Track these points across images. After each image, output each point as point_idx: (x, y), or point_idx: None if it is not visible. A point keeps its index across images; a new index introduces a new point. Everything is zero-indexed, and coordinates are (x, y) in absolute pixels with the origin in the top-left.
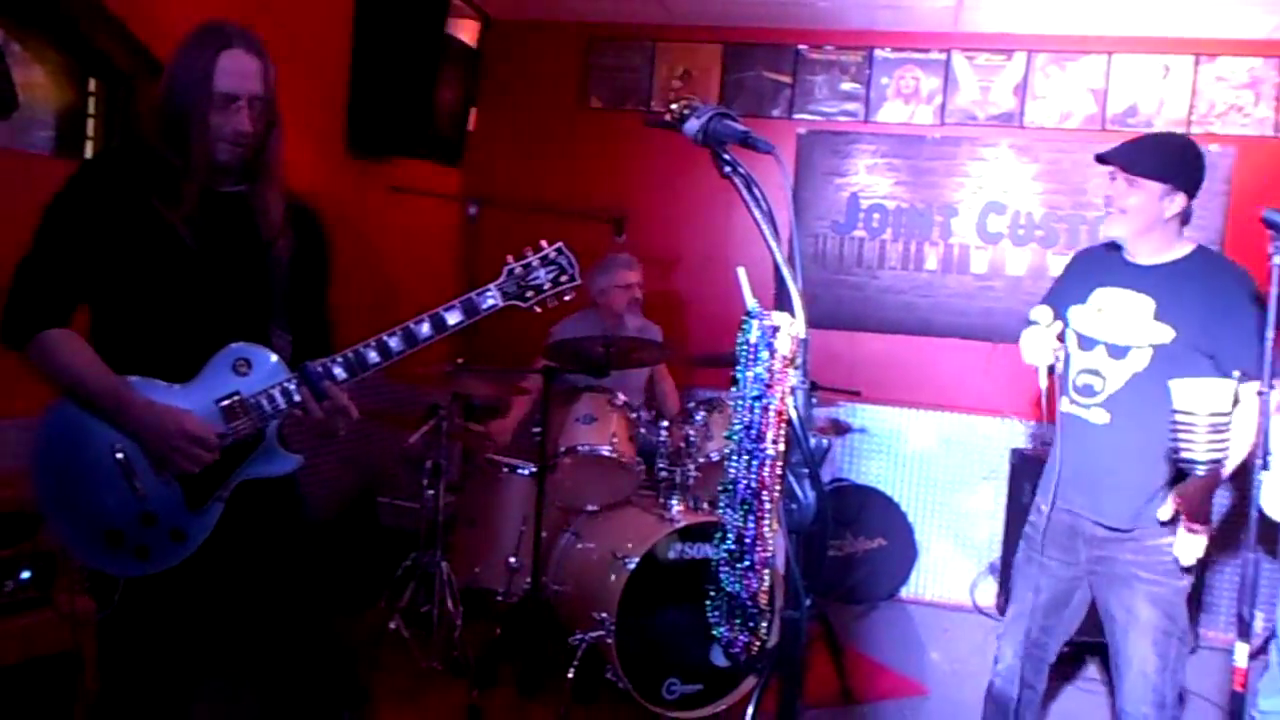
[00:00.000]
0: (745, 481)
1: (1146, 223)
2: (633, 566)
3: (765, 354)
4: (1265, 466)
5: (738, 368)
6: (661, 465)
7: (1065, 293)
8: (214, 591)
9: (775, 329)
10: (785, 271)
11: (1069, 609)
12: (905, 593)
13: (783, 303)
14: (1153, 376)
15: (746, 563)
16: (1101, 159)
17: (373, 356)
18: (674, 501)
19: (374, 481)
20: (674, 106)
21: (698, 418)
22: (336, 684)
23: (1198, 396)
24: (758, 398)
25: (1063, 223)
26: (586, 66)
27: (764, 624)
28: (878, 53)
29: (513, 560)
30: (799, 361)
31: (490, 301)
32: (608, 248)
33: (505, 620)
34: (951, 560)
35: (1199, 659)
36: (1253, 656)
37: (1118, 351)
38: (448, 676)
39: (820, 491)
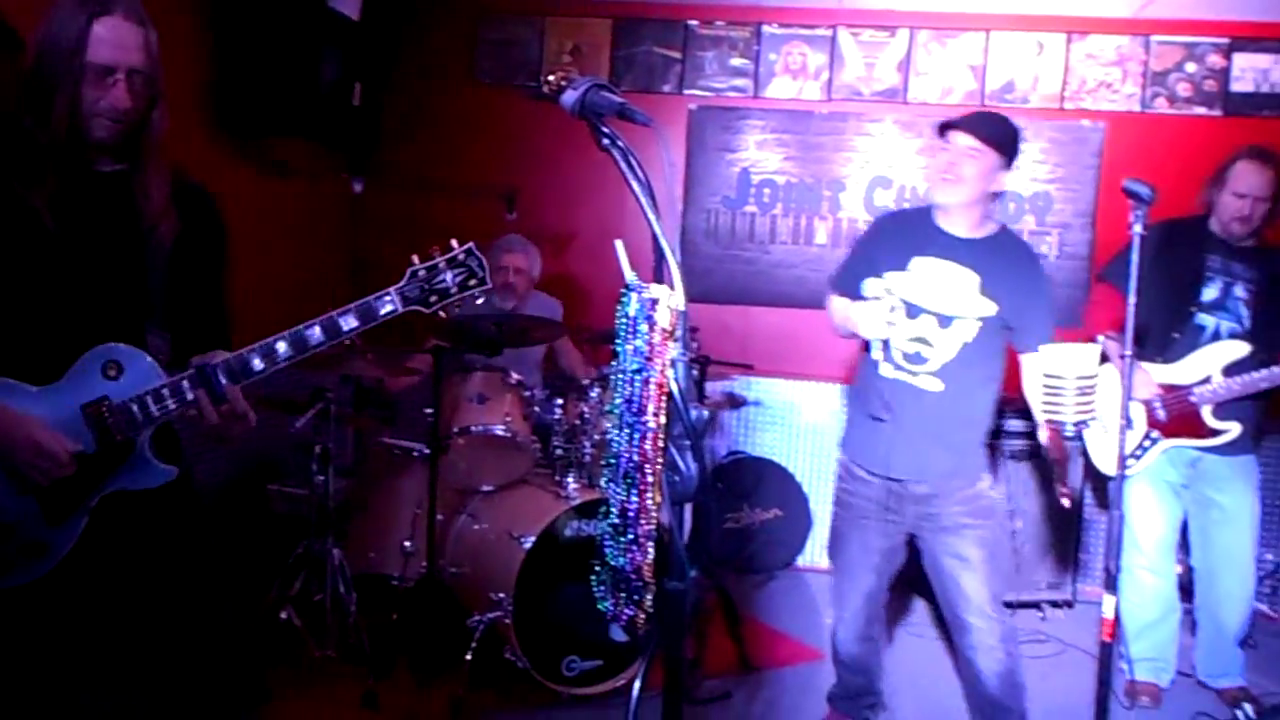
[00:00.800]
0: (627, 455)
1: (979, 193)
2: (529, 545)
3: (644, 327)
4: (1129, 426)
5: (617, 341)
6: (557, 443)
7: (876, 259)
8: (86, 603)
9: (654, 302)
10: (664, 244)
11: (897, 561)
12: (801, 561)
13: (662, 276)
14: (979, 346)
15: (630, 536)
16: (949, 125)
17: (257, 363)
18: (570, 479)
19: (263, 469)
20: (551, 78)
21: (593, 394)
22: (234, 684)
23: (1066, 361)
24: (637, 371)
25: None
26: (475, 41)
27: (649, 597)
28: (766, 29)
29: (408, 544)
30: (679, 334)
31: (389, 307)
32: (500, 225)
33: (401, 605)
34: None
35: (1077, 613)
36: None
37: (945, 321)
38: (343, 665)
39: (702, 463)
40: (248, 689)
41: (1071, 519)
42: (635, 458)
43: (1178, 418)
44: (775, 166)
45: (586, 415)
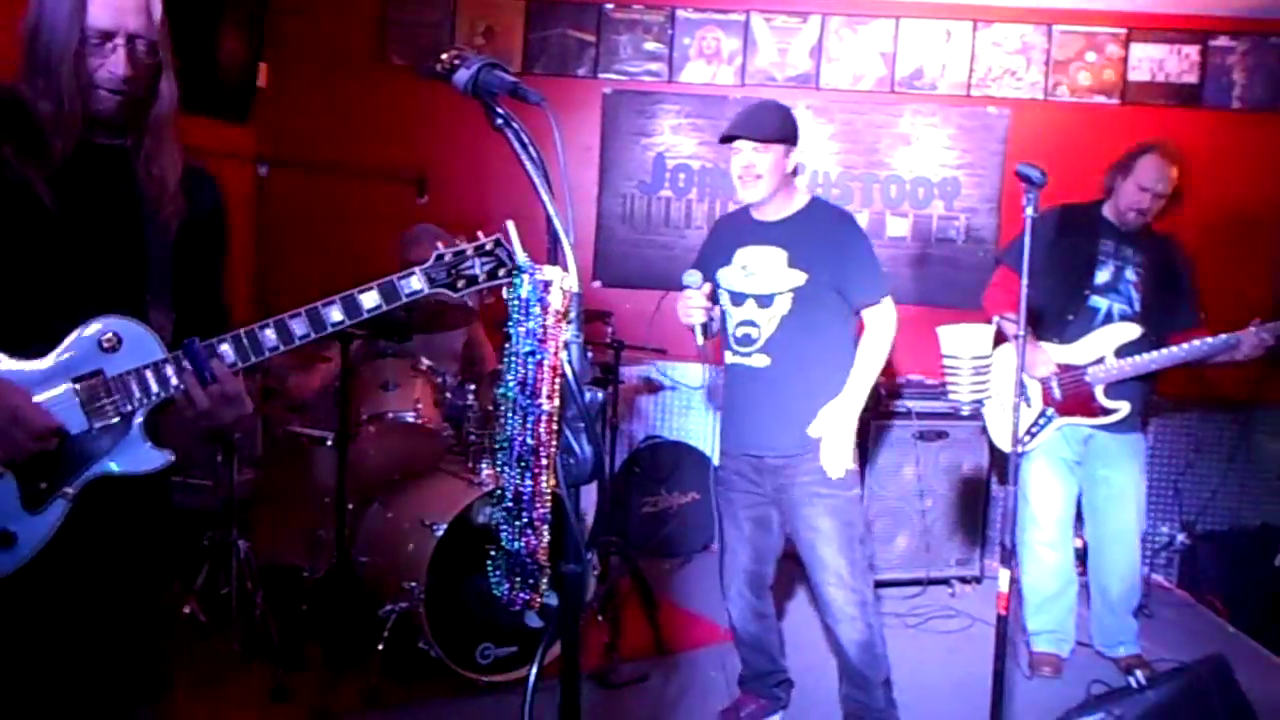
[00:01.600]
0: (521, 438)
1: (777, 182)
2: (441, 533)
3: (537, 309)
4: (1028, 404)
5: (509, 324)
6: (470, 430)
7: (711, 259)
8: (53, 602)
9: (547, 284)
10: (559, 226)
11: (772, 533)
12: (717, 544)
13: (558, 258)
14: (798, 318)
15: (524, 520)
16: (728, 137)
17: (270, 339)
18: (483, 465)
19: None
20: (444, 56)
21: None
22: (133, 674)
23: (961, 342)
24: (530, 353)
25: (857, 181)
26: (384, 21)
27: (544, 580)
28: (680, 13)
29: (317, 534)
30: (573, 316)
31: (416, 285)
32: (410, 209)
33: (311, 596)
34: None
35: (985, 588)
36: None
37: (764, 301)
38: (251, 659)
39: (597, 445)
40: (149, 685)
41: (979, 497)
42: (529, 441)
43: (1072, 397)
44: (690, 151)
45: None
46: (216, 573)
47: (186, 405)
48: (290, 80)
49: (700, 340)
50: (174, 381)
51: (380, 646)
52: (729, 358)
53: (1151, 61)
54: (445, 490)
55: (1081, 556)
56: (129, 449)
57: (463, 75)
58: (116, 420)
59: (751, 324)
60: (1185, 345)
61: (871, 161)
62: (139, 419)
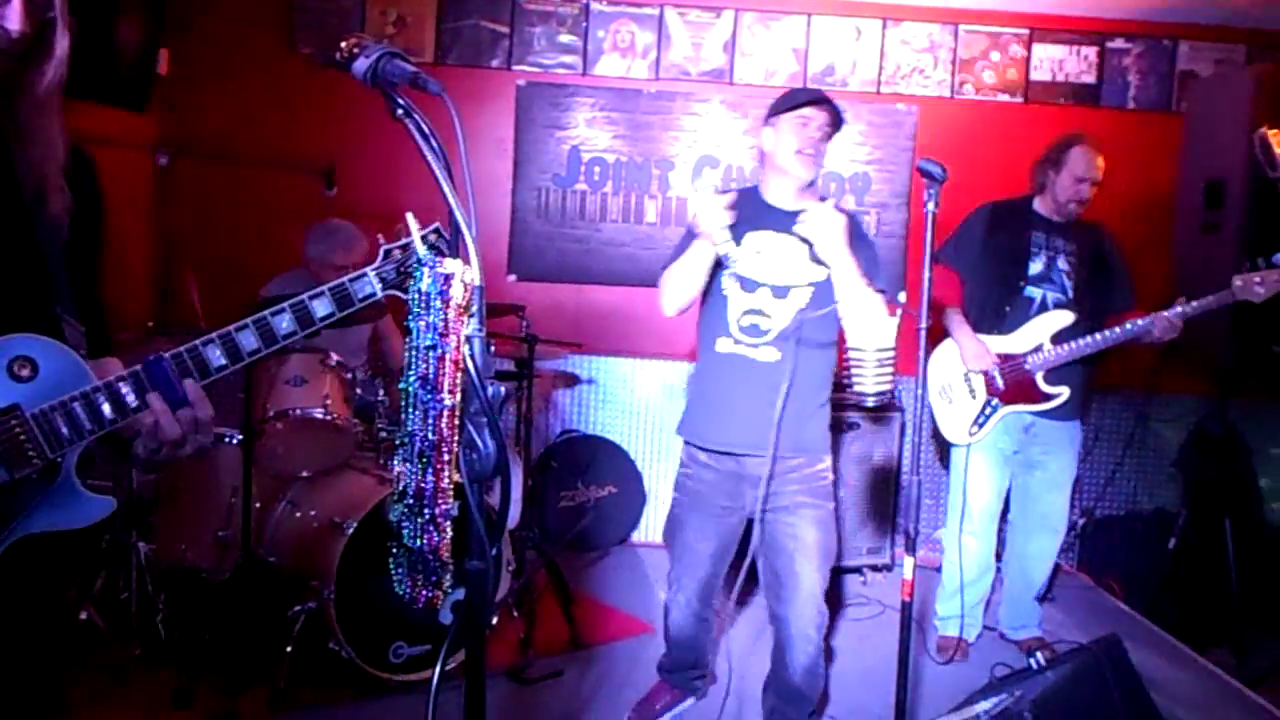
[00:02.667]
0: (422, 434)
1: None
2: (351, 531)
3: (438, 303)
4: (949, 400)
5: (409, 318)
6: (381, 425)
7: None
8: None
9: (449, 277)
10: (460, 219)
11: (734, 544)
12: (636, 536)
13: (459, 250)
14: (812, 311)
15: (426, 516)
16: (820, 100)
17: (217, 357)
18: (395, 462)
19: None
20: (343, 45)
21: None
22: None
23: (866, 335)
24: (431, 347)
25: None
26: (291, 7)
27: (446, 578)
28: (594, 6)
29: (222, 534)
30: (474, 309)
31: (369, 289)
32: (318, 201)
33: (216, 598)
34: None
35: (895, 576)
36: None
37: (780, 291)
38: (152, 664)
39: (499, 440)
40: (42, 697)
41: (890, 486)
42: (430, 436)
43: (1014, 385)
44: (605, 145)
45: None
46: (115, 577)
47: (149, 437)
48: (193, 67)
49: (731, 251)
50: (109, 415)
51: (289, 648)
52: (724, 346)
53: (1052, 61)
54: (355, 488)
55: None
56: (62, 499)
57: (361, 64)
58: (40, 466)
59: (761, 313)
60: (1109, 330)
61: None
62: (71, 461)
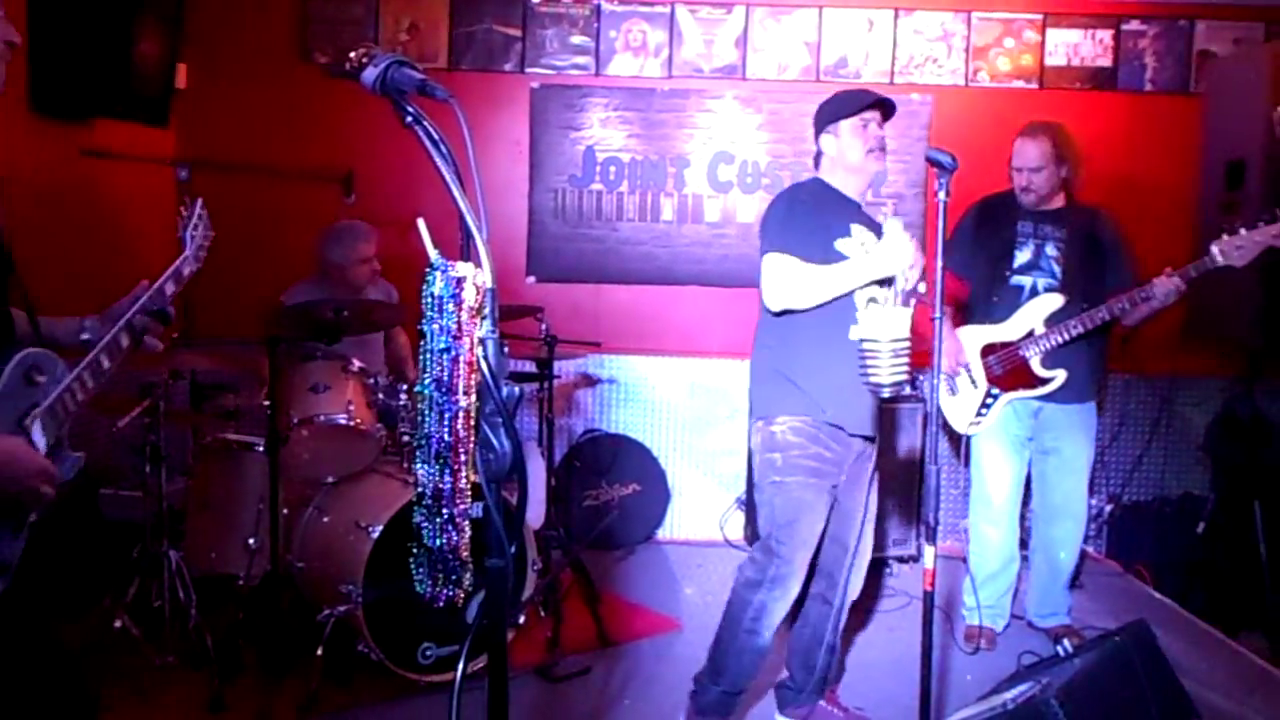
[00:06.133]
0: (438, 435)
1: None
2: (377, 535)
3: (451, 306)
4: (954, 391)
5: (423, 321)
6: (404, 430)
7: (824, 228)
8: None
9: (460, 280)
10: (471, 223)
11: None
12: (660, 534)
13: (470, 254)
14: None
15: (445, 516)
16: (887, 103)
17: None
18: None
19: (93, 473)
20: (352, 55)
21: None
22: (59, 699)
23: (879, 325)
24: (445, 350)
25: (786, 170)
26: (305, 19)
27: (466, 576)
28: (605, 6)
29: (251, 541)
30: (487, 312)
31: (190, 269)
32: (337, 209)
33: (247, 605)
34: (702, 499)
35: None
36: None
37: (887, 282)
38: (186, 670)
39: (515, 440)
40: (73, 699)
41: (916, 478)
42: (446, 437)
43: (1011, 372)
44: (620, 144)
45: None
46: (149, 585)
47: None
48: (211, 81)
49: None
50: (80, 397)
51: (319, 651)
52: (855, 333)
53: (1067, 46)
54: (380, 492)
55: (1024, 535)
56: (59, 459)
57: (370, 73)
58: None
59: (874, 301)
60: (1098, 308)
61: (800, 150)
62: (64, 431)
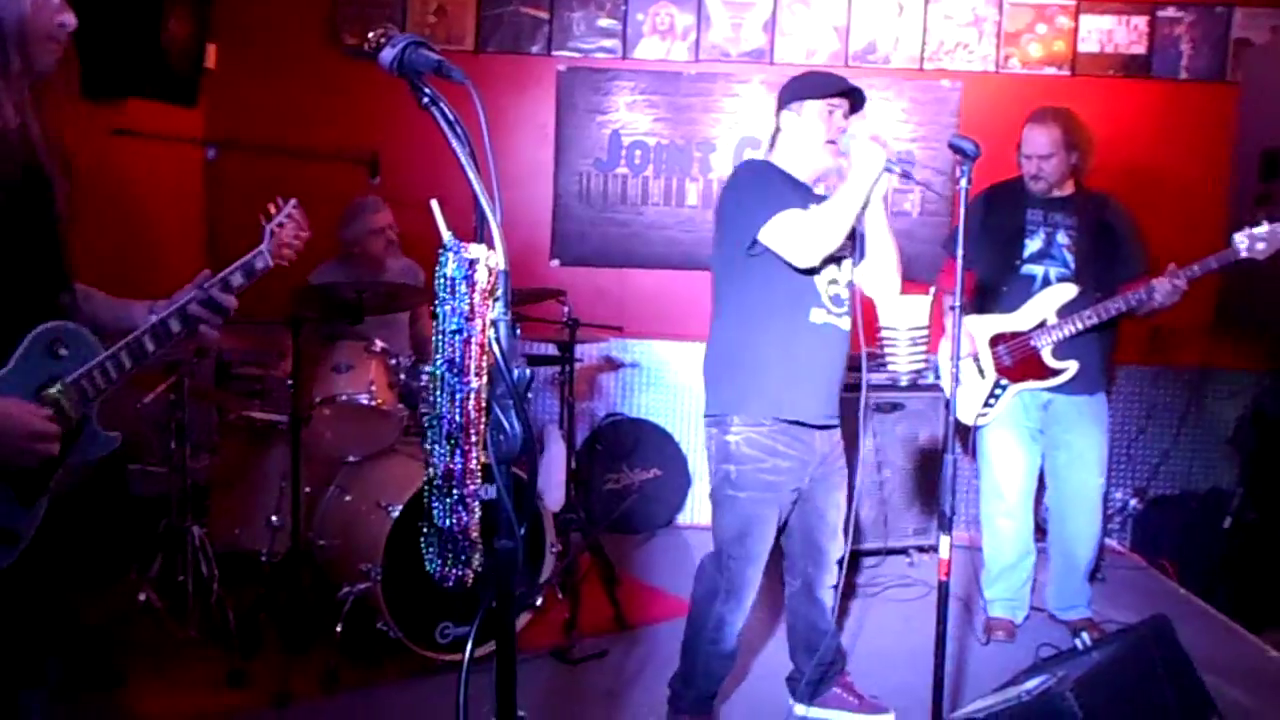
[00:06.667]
0: (449, 416)
1: None
2: (397, 514)
3: (463, 288)
4: (959, 381)
5: (435, 303)
6: (425, 410)
7: (793, 200)
8: (46, 585)
9: (473, 262)
10: (485, 203)
11: None
12: (681, 519)
13: (483, 235)
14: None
15: (455, 496)
16: (859, 93)
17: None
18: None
19: (123, 448)
20: (370, 35)
21: None
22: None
23: (898, 312)
24: (457, 331)
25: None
26: (334, 1)
27: (476, 557)
28: None
29: (274, 519)
30: (499, 293)
31: (264, 264)
32: (363, 190)
33: (270, 581)
34: None
35: None
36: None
37: (853, 260)
38: (208, 645)
39: (526, 421)
40: (94, 669)
41: (936, 467)
42: (458, 418)
43: (1021, 362)
44: (646, 128)
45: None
46: (173, 560)
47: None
48: (240, 62)
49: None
50: (114, 376)
51: (338, 628)
52: (819, 317)
53: (1100, 33)
54: (401, 471)
55: (1041, 526)
56: (88, 438)
57: (388, 54)
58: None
59: (838, 284)
60: (1109, 300)
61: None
62: (93, 410)
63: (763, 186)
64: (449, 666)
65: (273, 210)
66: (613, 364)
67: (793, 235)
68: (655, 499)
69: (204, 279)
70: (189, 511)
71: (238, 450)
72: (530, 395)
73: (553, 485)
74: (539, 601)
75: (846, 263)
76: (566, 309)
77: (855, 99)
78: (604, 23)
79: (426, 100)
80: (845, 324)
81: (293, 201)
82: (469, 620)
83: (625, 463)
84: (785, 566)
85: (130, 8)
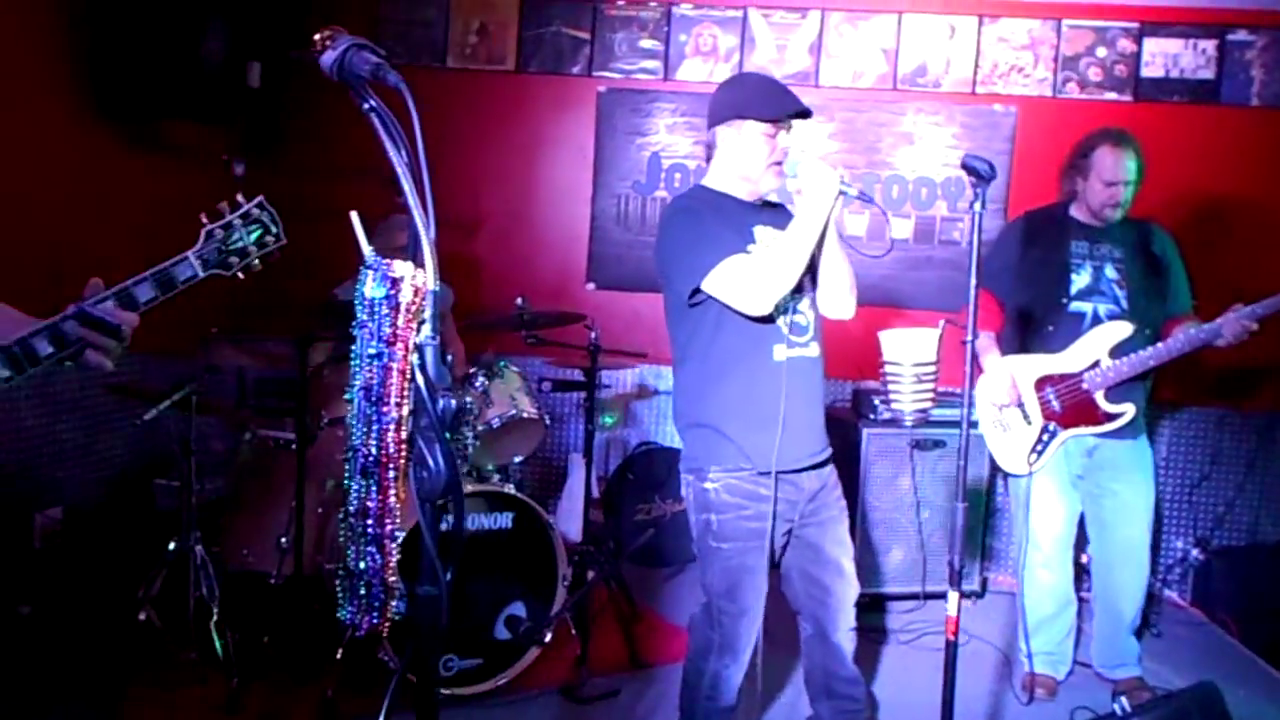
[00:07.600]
0: (364, 449)
1: None
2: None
3: (385, 309)
4: (1005, 428)
5: (353, 324)
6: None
7: (730, 238)
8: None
9: (396, 281)
10: (418, 219)
11: None
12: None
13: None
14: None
15: (370, 535)
16: (801, 113)
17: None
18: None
19: (153, 463)
20: (316, 38)
21: (477, 383)
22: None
23: (902, 347)
24: (375, 356)
25: (858, 180)
26: (377, 19)
27: (394, 602)
28: (676, 10)
29: (284, 540)
30: (426, 316)
31: (188, 274)
32: (390, 208)
33: (273, 604)
34: None
35: (987, 603)
36: None
37: (810, 283)
38: (207, 667)
39: (450, 458)
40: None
41: (979, 508)
42: (374, 451)
43: (1072, 407)
44: (686, 150)
45: (470, 405)
46: (178, 580)
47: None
48: (282, 80)
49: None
50: (42, 353)
51: (338, 657)
52: (782, 353)
53: (1165, 56)
54: (409, 496)
55: (1083, 569)
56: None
57: (329, 57)
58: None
59: (800, 311)
60: (1174, 339)
61: (873, 161)
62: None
63: (694, 228)
64: (450, 700)
65: (224, 208)
66: (645, 391)
67: (740, 285)
68: (685, 532)
69: (90, 290)
70: (193, 530)
71: (251, 470)
72: (548, 423)
73: (571, 515)
74: (548, 636)
75: (806, 293)
76: (593, 334)
77: (801, 115)
78: (646, 44)
79: (367, 107)
80: (814, 350)
81: (259, 199)
82: (473, 654)
83: (657, 493)
84: (794, 610)
85: (167, 25)
